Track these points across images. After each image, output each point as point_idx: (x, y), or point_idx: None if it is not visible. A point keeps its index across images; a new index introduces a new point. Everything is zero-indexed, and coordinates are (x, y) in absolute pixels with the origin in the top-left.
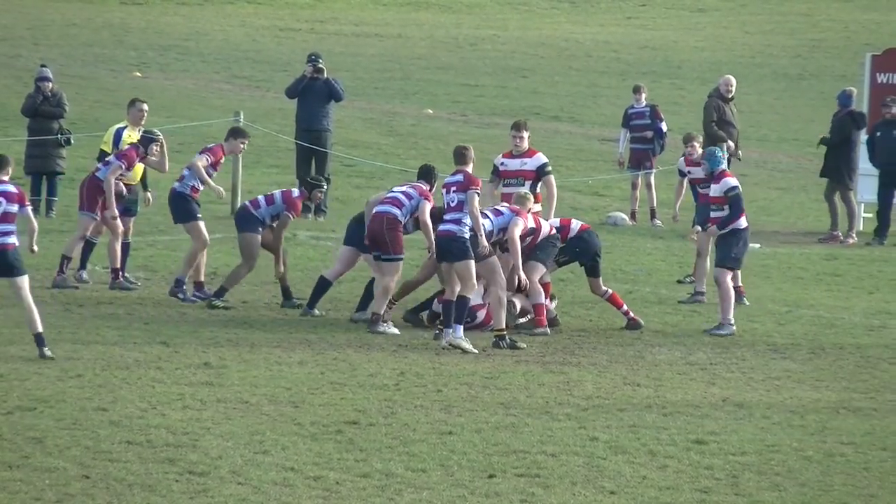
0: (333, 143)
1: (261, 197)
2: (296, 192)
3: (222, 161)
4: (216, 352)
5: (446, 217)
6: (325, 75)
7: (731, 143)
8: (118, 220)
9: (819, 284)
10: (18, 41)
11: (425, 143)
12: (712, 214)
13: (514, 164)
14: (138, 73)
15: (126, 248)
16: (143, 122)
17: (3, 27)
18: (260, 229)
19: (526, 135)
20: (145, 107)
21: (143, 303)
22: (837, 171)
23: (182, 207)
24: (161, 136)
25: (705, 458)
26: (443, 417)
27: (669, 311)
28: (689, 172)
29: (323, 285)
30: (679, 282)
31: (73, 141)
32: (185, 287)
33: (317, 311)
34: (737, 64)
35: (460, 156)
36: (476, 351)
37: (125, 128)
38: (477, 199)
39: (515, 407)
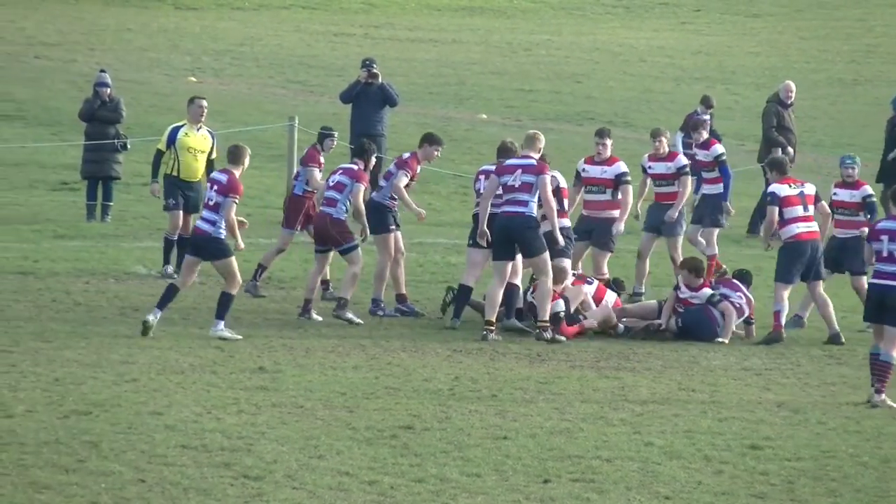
0: (388, 149)
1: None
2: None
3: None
4: (271, 356)
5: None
6: (380, 80)
7: (791, 149)
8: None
9: None
10: (74, 46)
11: (479, 148)
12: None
13: (595, 171)
14: (193, 78)
15: (177, 243)
16: (202, 119)
17: (58, 32)
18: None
19: (609, 142)
20: (204, 103)
21: (199, 307)
22: (893, 175)
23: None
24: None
25: (761, 463)
26: (497, 422)
27: None
28: (649, 168)
29: (465, 292)
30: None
31: (129, 146)
32: (382, 304)
33: (457, 322)
34: (791, 69)
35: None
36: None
37: (182, 126)
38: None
39: (570, 412)
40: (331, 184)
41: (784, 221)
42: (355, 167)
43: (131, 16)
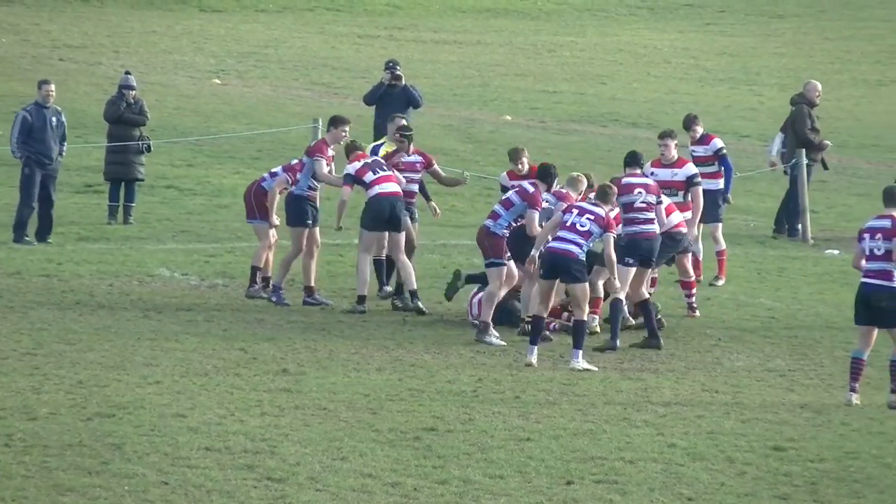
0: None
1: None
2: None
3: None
4: (294, 358)
5: (568, 236)
6: (404, 82)
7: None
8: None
9: None
10: (99, 49)
11: (503, 150)
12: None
13: (664, 175)
14: (217, 80)
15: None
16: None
17: (83, 35)
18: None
19: (672, 143)
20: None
21: (222, 309)
22: None
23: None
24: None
25: (784, 464)
26: (521, 424)
27: (747, 318)
28: (652, 174)
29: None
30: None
31: (152, 148)
32: (281, 292)
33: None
34: (816, 70)
35: (604, 194)
36: (595, 369)
37: (382, 144)
38: (611, 240)
39: (593, 413)
40: (503, 197)
41: None
42: (531, 189)
43: (156, 18)
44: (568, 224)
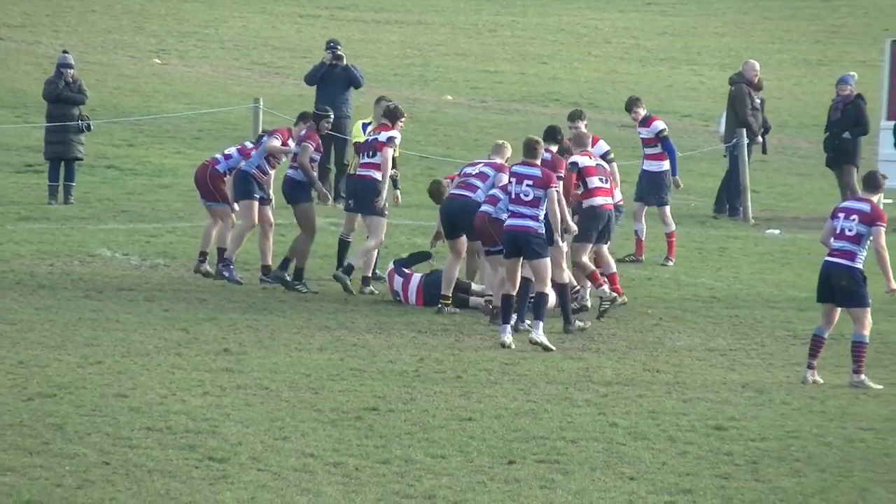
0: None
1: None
2: (249, 144)
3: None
4: (236, 338)
5: (521, 210)
6: (345, 62)
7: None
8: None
9: None
10: (38, 28)
11: (445, 130)
12: None
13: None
14: (158, 60)
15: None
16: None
17: (23, 14)
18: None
19: (583, 125)
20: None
21: (163, 289)
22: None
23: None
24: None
25: (725, 444)
26: (462, 403)
27: (689, 298)
28: None
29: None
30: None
31: (92, 127)
32: (232, 266)
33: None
34: (756, 50)
35: (531, 149)
36: (553, 349)
37: (369, 123)
38: (556, 197)
39: (535, 393)
40: (474, 172)
41: None
42: (499, 160)
43: None
44: (514, 196)
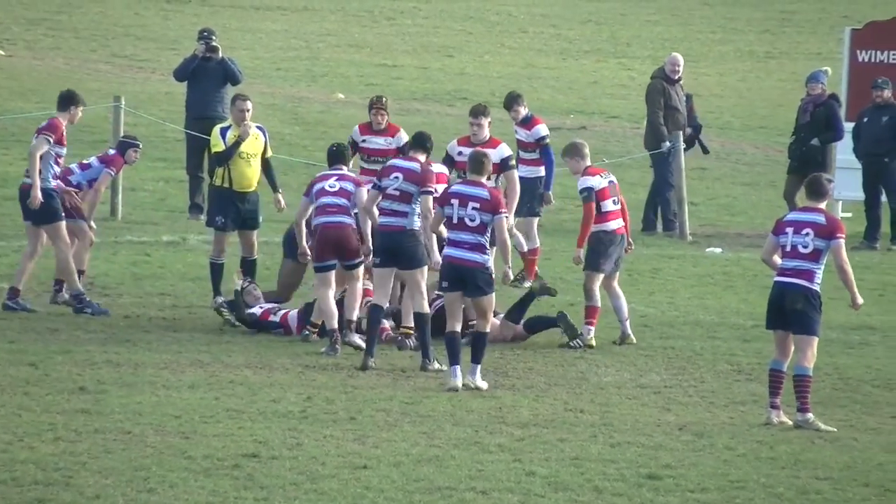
0: None
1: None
2: (111, 151)
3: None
4: (93, 374)
5: (464, 239)
6: (220, 55)
7: (680, 132)
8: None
9: None
10: None
11: (336, 133)
12: None
13: None
14: (2, 52)
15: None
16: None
17: None
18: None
19: (486, 122)
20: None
21: (9, 318)
22: (813, 164)
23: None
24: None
25: (659, 495)
26: (356, 449)
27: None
28: (460, 154)
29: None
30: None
31: None
32: (84, 297)
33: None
34: (695, 40)
35: (478, 164)
36: (485, 386)
37: (228, 127)
38: (505, 223)
39: (440, 437)
40: (331, 190)
41: None
42: (344, 169)
43: None
44: (455, 221)
